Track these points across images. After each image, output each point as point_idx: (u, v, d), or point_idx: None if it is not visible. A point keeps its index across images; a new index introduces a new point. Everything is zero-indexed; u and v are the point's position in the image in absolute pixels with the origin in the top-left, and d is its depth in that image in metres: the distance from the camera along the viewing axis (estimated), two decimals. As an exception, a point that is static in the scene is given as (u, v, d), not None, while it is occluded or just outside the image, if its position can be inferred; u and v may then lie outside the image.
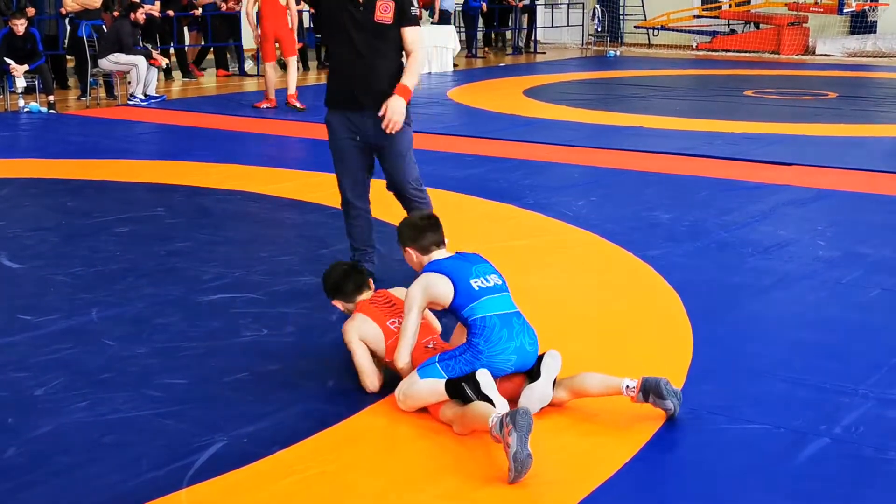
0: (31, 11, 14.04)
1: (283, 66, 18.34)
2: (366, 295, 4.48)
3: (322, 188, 8.27)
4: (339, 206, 7.66)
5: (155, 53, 14.16)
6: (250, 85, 16.59)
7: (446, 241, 4.34)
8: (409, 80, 5.40)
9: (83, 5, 14.36)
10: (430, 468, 3.58)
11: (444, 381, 3.91)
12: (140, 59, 13.56)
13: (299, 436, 3.80)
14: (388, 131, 5.38)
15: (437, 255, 4.26)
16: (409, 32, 5.43)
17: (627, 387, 3.93)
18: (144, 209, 7.68)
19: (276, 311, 5.25)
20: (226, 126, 11.87)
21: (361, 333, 4.27)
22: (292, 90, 13.14)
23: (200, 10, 17.25)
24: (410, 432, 3.85)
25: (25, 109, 12.75)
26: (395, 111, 5.30)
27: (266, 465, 3.58)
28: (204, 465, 3.56)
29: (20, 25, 12.80)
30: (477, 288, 4.04)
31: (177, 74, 17.20)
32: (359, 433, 3.86)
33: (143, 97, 13.63)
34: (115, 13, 14.79)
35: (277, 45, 13.21)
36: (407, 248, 4.30)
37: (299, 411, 4.03)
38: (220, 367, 4.48)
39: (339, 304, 4.55)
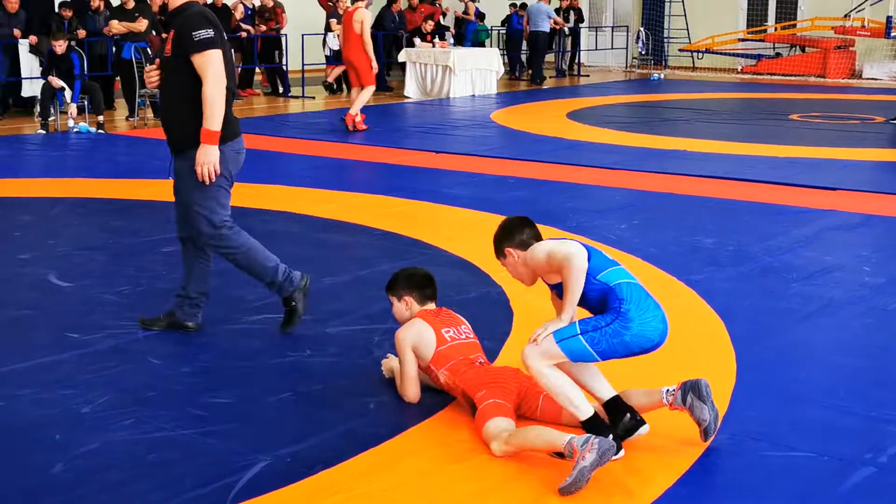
0: (81, 34, 14.28)
1: (329, 88, 18.59)
2: (430, 306, 4.53)
3: (364, 209, 8.33)
4: (379, 228, 7.77)
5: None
6: (294, 106, 16.73)
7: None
8: (206, 121, 4.85)
9: (128, 28, 14.58)
10: (472, 490, 3.58)
11: (579, 396, 3.81)
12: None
13: (342, 456, 3.82)
14: (202, 181, 4.97)
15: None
16: (194, 60, 4.84)
17: (667, 391, 3.89)
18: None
19: (319, 331, 5.29)
20: (270, 147, 11.97)
21: (415, 340, 4.30)
22: (354, 110, 13.05)
23: (246, 33, 17.45)
24: (452, 454, 3.86)
25: (75, 129, 12.94)
26: (199, 161, 4.90)
27: (309, 485, 3.61)
28: (247, 485, 3.59)
29: (59, 46, 13.00)
30: (610, 258, 3.92)
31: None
32: (401, 454, 3.87)
33: (190, 118, 13.78)
34: (162, 36, 15.02)
35: (355, 72, 13.10)
36: (507, 249, 4.03)
37: (342, 431, 4.05)
38: (264, 387, 4.52)
39: (406, 302, 4.50)
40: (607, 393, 3.94)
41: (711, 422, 3.84)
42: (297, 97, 17.75)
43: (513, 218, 4.16)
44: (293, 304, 5.24)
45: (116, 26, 14.63)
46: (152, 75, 5.16)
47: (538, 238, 4.05)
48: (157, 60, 5.19)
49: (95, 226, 7.95)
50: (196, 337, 5.20)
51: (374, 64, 13.04)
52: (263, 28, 17.76)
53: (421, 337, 4.32)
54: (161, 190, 9.21)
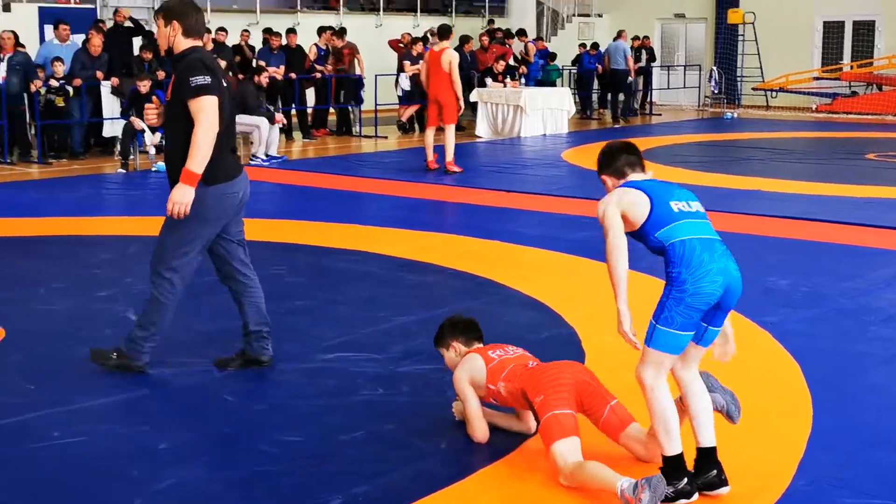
0: (160, 75, 14.61)
1: (402, 127, 18.75)
2: (476, 346, 4.63)
3: (437, 249, 8.38)
4: (452, 267, 7.80)
5: (277, 114, 14.60)
6: (367, 146, 16.90)
7: (648, 171, 4.07)
8: (190, 162, 4.91)
9: (209, 69, 14.88)
10: (543, 533, 3.57)
11: (675, 429, 3.76)
12: (263, 121, 13.98)
13: (413, 496, 3.83)
14: (171, 216, 5.06)
15: (634, 176, 4.00)
16: (189, 105, 4.93)
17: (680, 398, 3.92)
18: (266, 267, 7.83)
19: (392, 370, 5.32)
20: (343, 186, 12.11)
21: (468, 374, 4.39)
22: (450, 156, 13.12)
23: (320, 74, 17.71)
24: (522, 496, 3.85)
25: (154, 168, 13.22)
26: (173, 198, 4.96)
27: (380, 525, 3.63)
28: (320, 523, 3.62)
29: (144, 86, 13.33)
30: (677, 210, 3.78)
31: (297, 135, 17.63)
32: (471, 495, 3.88)
33: (265, 157, 14.03)
34: (240, 76, 15.32)
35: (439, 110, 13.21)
36: (602, 176, 4.05)
37: (413, 471, 4.07)
38: (336, 426, 4.56)
39: (454, 349, 4.60)
40: (708, 440, 3.84)
41: (729, 404, 3.94)
42: (369, 137, 17.93)
43: (617, 145, 4.15)
44: (115, 355, 5.29)
45: (195, 68, 14.93)
46: (150, 114, 5.31)
47: (635, 167, 4.04)
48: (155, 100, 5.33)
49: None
50: (270, 374, 5.27)
51: (461, 103, 13.21)
52: (330, 69, 17.99)
53: (472, 367, 4.41)
54: (237, 228, 9.37)
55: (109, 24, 16.85)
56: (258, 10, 21.20)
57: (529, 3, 24.29)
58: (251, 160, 14.04)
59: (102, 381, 5.18)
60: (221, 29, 16.12)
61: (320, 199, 11.36)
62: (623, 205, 3.79)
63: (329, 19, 21.52)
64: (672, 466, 3.75)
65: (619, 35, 22.36)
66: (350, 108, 18.48)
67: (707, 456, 3.83)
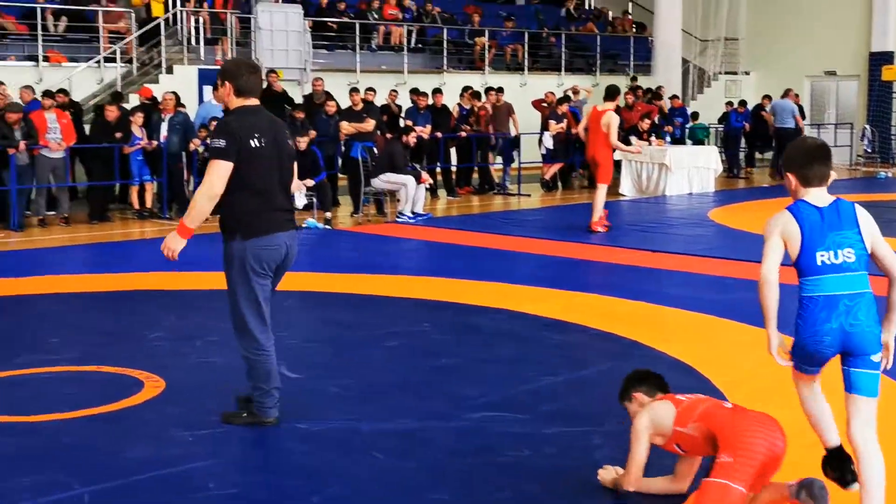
0: (312, 134, 15.02)
1: (545, 185, 18.81)
2: (659, 395, 4.53)
3: (584, 309, 8.35)
4: (597, 328, 7.76)
5: (423, 173, 14.84)
6: (511, 203, 16.99)
7: (832, 176, 4.14)
8: (185, 215, 5.24)
9: (357, 129, 15.26)
10: None
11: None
12: (409, 179, 14.23)
13: (562, 561, 3.81)
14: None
15: (815, 193, 4.03)
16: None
17: (791, 484, 4.05)
18: (412, 324, 7.98)
19: (537, 431, 5.31)
20: (489, 244, 12.19)
21: (651, 420, 4.30)
22: (597, 216, 13.08)
23: (464, 133, 17.95)
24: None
25: (304, 225, 13.58)
26: (164, 243, 5.30)
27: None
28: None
29: (302, 143, 13.76)
30: (819, 263, 3.90)
31: (442, 193, 17.86)
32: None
33: (411, 215, 14.25)
34: (388, 135, 15.65)
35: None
36: (787, 174, 4.10)
37: (561, 535, 4.05)
38: (483, 486, 4.57)
39: (636, 399, 4.50)
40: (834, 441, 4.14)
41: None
42: (513, 194, 18.03)
43: (815, 149, 4.15)
44: (245, 414, 5.46)
45: (346, 127, 15.35)
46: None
47: (822, 181, 4.13)
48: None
49: (323, 319, 8.28)
50: (419, 432, 5.32)
51: (634, 150, 13.20)
52: (469, 129, 18.20)
53: (657, 412, 4.32)
54: (385, 284, 9.53)
55: (264, 85, 17.44)
56: (406, 70, 21.67)
57: (675, 61, 24.15)
58: (397, 217, 14.28)
59: (255, 433, 5.32)
60: (370, 89, 16.52)
61: (465, 256, 11.47)
62: (786, 234, 3.98)
63: (474, 79, 21.84)
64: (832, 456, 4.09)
65: (786, 93, 21.96)
66: (498, 166, 18.64)
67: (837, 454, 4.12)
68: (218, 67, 18.25)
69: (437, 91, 18.15)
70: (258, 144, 5.23)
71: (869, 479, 3.79)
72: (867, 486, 3.79)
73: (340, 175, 16.33)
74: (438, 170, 17.87)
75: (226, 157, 5.15)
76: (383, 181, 14.38)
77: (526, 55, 23.91)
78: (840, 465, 4.06)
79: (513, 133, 18.52)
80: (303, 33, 19.88)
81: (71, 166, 14.59)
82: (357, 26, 21.35)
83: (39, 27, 17.55)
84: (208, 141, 5.21)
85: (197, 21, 19.33)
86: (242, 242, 5.25)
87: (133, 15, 19.13)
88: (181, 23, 19.07)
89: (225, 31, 19.67)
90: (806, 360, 3.95)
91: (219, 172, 5.16)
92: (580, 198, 17.65)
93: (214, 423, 5.48)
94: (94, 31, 18.51)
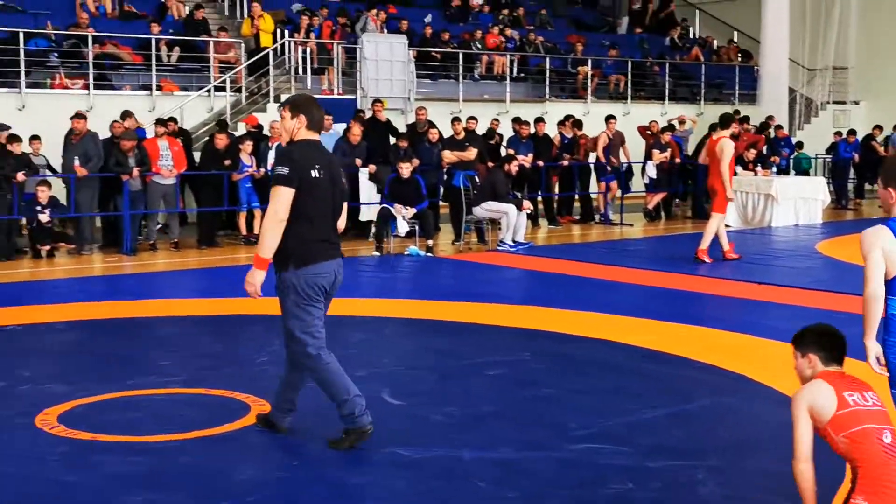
0: (415, 162, 15.19)
1: (648, 215, 18.66)
2: (833, 368, 4.24)
3: (687, 341, 8.27)
4: (700, 360, 7.68)
5: (524, 201, 14.87)
6: (613, 233, 16.91)
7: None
8: (258, 247, 5.43)
9: (459, 157, 15.37)
10: None
11: None
12: (511, 208, 14.27)
13: None
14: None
15: None
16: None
17: None
18: (512, 353, 8.00)
19: (640, 464, 5.28)
20: (589, 273, 12.16)
21: (812, 399, 4.07)
22: (705, 244, 12.93)
23: (566, 162, 17.94)
24: None
25: (406, 252, 13.72)
26: (246, 279, 5.46)
27: None
28: None
29: (405, 169, 13.94)
30: None
31: (543, 221, 17.86)
32: None
33: (512, 243, 14.28)
34: (490, 164, 15.73)
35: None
36: (888, 188, 4.28)
37: (664, 570, 4.02)
38: (585, 518, 4.57)
39: (809, 359, 4.25)
40: None
41: None
42: (615, 224, 17.93)
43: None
44: (345, 437, 5.56)
45: (449, 156, 15.47)
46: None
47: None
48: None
49: (423, 346, 8.35)
50: (521, 462, 5.33)
51: (729, 193, 13.02)
52: (571, 158, 18.17)
53: (819, 395, 4.07)
54: (486, 313, 9.58)
55: (369, 113, 17.72)
56: (508, 99, 21.77)
57: (781, 90, 23.78)
58: (498, 246, 14.32)
59: (358, 459, 5.39)
60: (472, 118, 16.64)
61: (565, 285, 11.45)
62: (887, 252, 4.09)
63: (576, 108, 21.83)
64: None
65: None
66: (594, 194, 18.59)
67: None
68: (323, 97, 18.67)
69: (539, 120, 18.19)
70: (318, 175, 5.41)
71: None
72: None
73: (442, 203, 16.46)
74: (540, 198, 17.88)
75: (289, 184, 5.32)
76: (485, 209, 14.46)
77: (629, 84, 23.83)
78: None
79: (624, 162, 18.42)
80: (407, 63, 20.16)
81: (181, 193, 14.99)
82: (460, 56, 21.55)
83: (154, 57, 18.12)
84: (276, 167, 5.43)
85: (304, 51, 19.75)
86: (295, 272, 5.40)
87: (242, 45, 19.63)
88: (289, 53, 19.49)
89: (331, 62, 20.04)
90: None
91: (282, 198, 5.32)
92: (683, 228, 17.49)
93: (318, 447, 5.58)
94: (206, 61, 19.04)
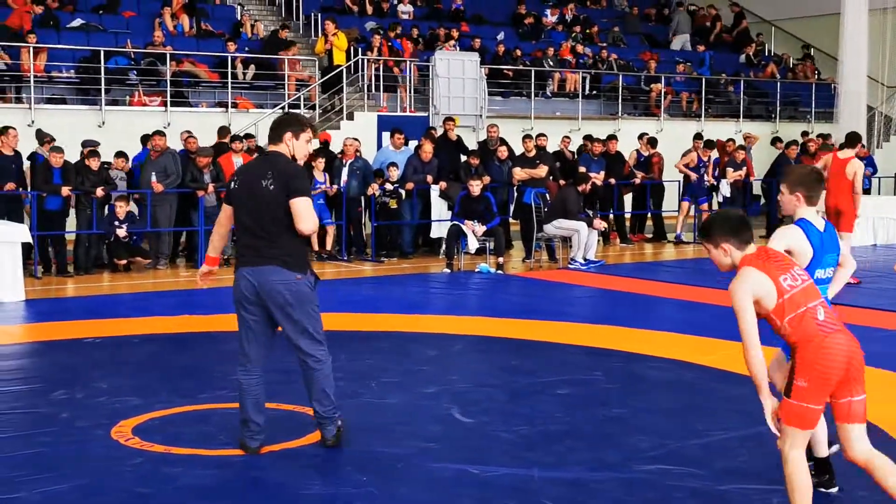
0: (486, 179, 15.22)
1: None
2: (750, 249, 4.43)
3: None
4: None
5: (596, 219, 14.80)
6: (686, 251, 16.73)
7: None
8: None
9: (530, 175, 15.35)
10: None
11: None
12: (582, 226, 14.21)
13: None
14: None
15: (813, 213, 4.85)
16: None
17: None
18: (583, 372, 7.95)
19: (714, 488, 5.21)
20: (661, 292, 12.05)
21: (754, 290, 4.28)
22: None
23: (639, 179, 17.82)
24: None
25: (477, 269, 13.73)
26: None
27: None
28: None
29: (476, 186, 13.96)
30: (816, 279, 4.73)
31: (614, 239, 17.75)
32: None
33: (582, 261, 14.21)
34: (561, 182, 15.69)
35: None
36: (796, 193, 4.83)
37: None
38: (655, 540, 4.52)
39: (724, 249, 4.45)
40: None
41: None
42: (687, 243, 17.74)
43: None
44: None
45: (519, 173, 15.47)
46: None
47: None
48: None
49: (494, 364, 8.34)
50: (591, 482, 5.30)
51: (858, 212, 12.91)
52: (644, 175, 18.04)
53: (759, 285, 4.29)
54: (556, 331, 9.54)
55: (440, 131, 17.80)
56: (580, 116, 21.71)
57: (860, 108, 23.34)
58: (569, 264, 14.26)
59: (426, 477, 5.40)
60: (542, 135, 16.62)
61: (637, 304, 11.37)
62: (796, 251, 4.91)
63: (649, 125, 21.69)
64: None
65: None
66: (670, 213, 18.44)
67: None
68: (395, 115, 18.83)
69: (611, 137, 18.10)
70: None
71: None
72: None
73: (513, 220, 16.45)
74: (612, 216, 17.78)
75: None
76: (555, 227, 14.42)
77: (703, 101, 23.62)
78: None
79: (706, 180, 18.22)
80: (479, 80, 20.21)
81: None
82: (532, 73, 21.55)
83: (230, 75, 18.41)
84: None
85: (377, 69, 19.91)
86: (310, 277, 5.72)
87: (316, 63, 19.86)
88: (361, 71, 19.66)
89: (404, 79, 20.17)
90: None
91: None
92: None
93: (386, 464, 5.59)
94: (280, 78, 19.29)
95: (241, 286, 5.70)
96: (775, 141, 21.00)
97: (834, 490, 5.04)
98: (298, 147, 5.74)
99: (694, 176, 17.75)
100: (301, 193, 5.56)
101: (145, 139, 15.02)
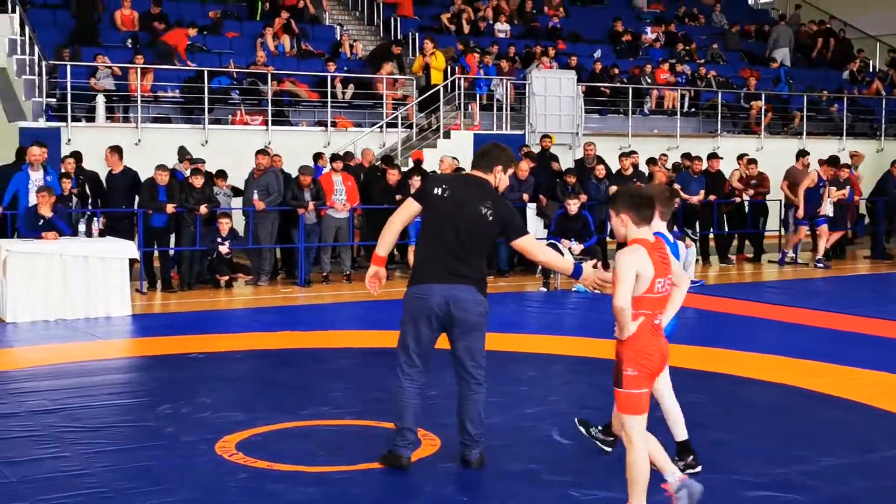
0: (583, 198, 15.17)
1: (825, 254, 18.01)
2: (644, 229, 4.84)
3: (868, 387, 7.97)
4: (882, 408, 7.35)
5: (686, 239, 14.55)
6: (787, 272, 16.40)
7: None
8: None
9: (628, 193, 15.22)
10: None
11: None
12: (680, 245, 14.03)
13: None
14: None
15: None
16: None
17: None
18: (683, 394, 7.72)
19: (821, 516, 5.10)
20: (763, 314, 11.84)
21: (639, 267, 4.71)
22: None
23: (738, 199, 17.54)
24: None
25: (573, 289, 13.66)
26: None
27: None
28: None
29: (573, 205, 13.90)
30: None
31: (714, 259, 17.49)
32: None
33: (681, 281, 13.99)
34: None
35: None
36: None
37: None
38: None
39: (622, 220, 4.84)
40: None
41: None
42: (789, 263, 17.39)
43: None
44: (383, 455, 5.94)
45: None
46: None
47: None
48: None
49: (593, 385, 8.28)
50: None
51: None
52: (751, 192, 17.76)
53: (644, 267, 4.72)
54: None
55: (536, 149, 17.79)
56: (678, 134, 21.48)
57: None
58: (667, 283, 14.06)
59: (530, 497, 5.38)
60: (633, 152, 16.51)
61: (737, 325, 11.20)
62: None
63: (749, 144, 21.37)
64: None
65: None
66: (770, 232, 18.11)
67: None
68: (492, 133, 18.85)
69: (712, 156, 17.83)
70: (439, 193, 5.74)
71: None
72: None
73: (609, 239, 16.33)
74: (711, 236, 17.55)
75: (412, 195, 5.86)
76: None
77: (805, 119, 23.18)
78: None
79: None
80: (575, 98, 20.13)
81: (354, 226, 15.33)
82: (630, 91, 21.41)
83: (329, 94, 18.67)
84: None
85: (472, 87, 19.97)
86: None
87: (414, 82, 20.01)
88: (459, 90, 19.76)
89: (500, 98, 20.19)
90: None
91: (403, 204, 5.91)
92: (861, 268, 16.85)
93: (488, 484, 5.59)
94: (378, 97, 19.50)
95: (432, 301, 5.71)
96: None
97: (698, 469, 5.57)
98: (503, 181, 5.92)
99: (798, 201, 17.29)
100: (527, 232, 5.95)
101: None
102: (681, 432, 5.75)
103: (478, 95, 19.88)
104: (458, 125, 19.41)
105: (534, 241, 5.95)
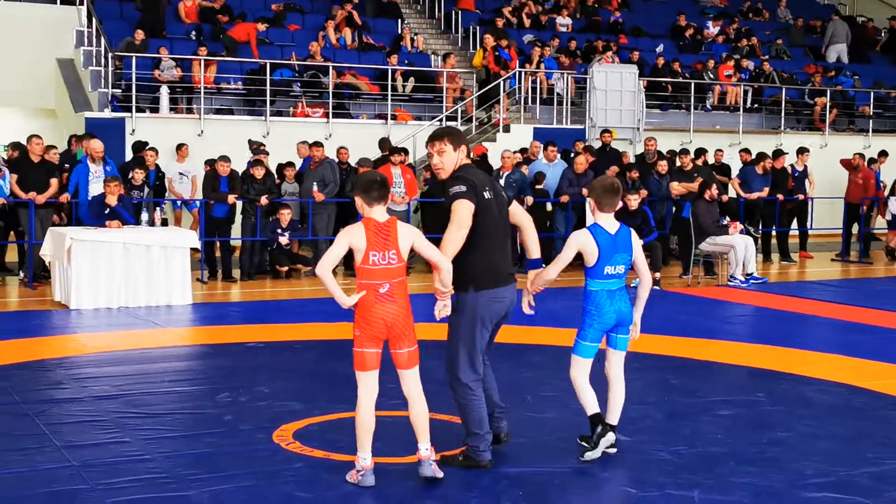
0: (643, 193, 15.03)
1: (891, 254, 17.72)
2: (378, 209, 5.32)
3: (933, 389, 7.79)
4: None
5: (733, 228, 14.28)
6: (852, 271, 16.14)
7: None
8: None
9: (687, 189, 15.07)
10: None
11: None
12: (737, 241, 13.83)
13: None
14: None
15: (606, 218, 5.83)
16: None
17: None
18: (744, 393, 7.75)
19: (885, 519, 5.00)
20: (827, 313, 11.65)
21: (351, 239, 5.30)
22: None
23: (802, 196, 17.28)
24: None
25: (632, 285, 13.50)
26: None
27: None
28: None
29: (633, 200, 13.78)
30: (605, 273, 5.83)
31: (775, 257, 17.25)
32: None
33: (743, 278, 13.85)
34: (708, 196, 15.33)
35: None
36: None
37: None
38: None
39: (356, 203, 5.35)
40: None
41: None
42: (853, 262, 17.11)
43: None
44: (461, 457, 5.80)
45: (676, 187, 15.21)
46: None
47: None
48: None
49: (651, 382, 8.19)
50: (752, 508, 5.16)
51: None
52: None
53: (354, 242, 5.29)
54: (715, 349, 9.33)
55: (596, 143, 17.67)
56: (740, 130, 21.21)
57: None
58: (729, 280, 13.92)
59: (587, 492, 5.35)
60: (693, 148, 16.35)
61: (800, 324, 11.03)
62: (586, 249, 5.83)
63: (813, 140, 21.06)
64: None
65: None
66: (832, 231, 17.82)
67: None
68: (551, 127, 18.79)
69: (778, 153, 17.54)
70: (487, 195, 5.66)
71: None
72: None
73: (672, 236, 16.20)
74: (774, 233, 17.31)
75: (468, 198, 5.54)
76: (710, 243, 14.08)
77: (871, 115, 22.77)
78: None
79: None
80: (636, 93, 19.97)
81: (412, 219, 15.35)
82: (692, 86, 21.19)
83: (389, 87, 18.71)
84: (449, 190, 5.61)
85: (534, 81, 19.91)
86: (474, 294, 5.71)
87: (474, 76, 19.98)
88: (519, 83, 19.69)
89: (560, 92, 20.10)
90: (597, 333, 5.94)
91: (464, 210, 5.57)
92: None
93: (543, 481, 5.56)
94: (438, 91, 19.49)
95: (507, 304, 5.81)
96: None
97: (612, 437, 5.94)
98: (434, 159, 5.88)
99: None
100: None
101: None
102: (595, 409, 6.02)
103: (538, 90, 19.80)
104: (519, 119, 19.35)
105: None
